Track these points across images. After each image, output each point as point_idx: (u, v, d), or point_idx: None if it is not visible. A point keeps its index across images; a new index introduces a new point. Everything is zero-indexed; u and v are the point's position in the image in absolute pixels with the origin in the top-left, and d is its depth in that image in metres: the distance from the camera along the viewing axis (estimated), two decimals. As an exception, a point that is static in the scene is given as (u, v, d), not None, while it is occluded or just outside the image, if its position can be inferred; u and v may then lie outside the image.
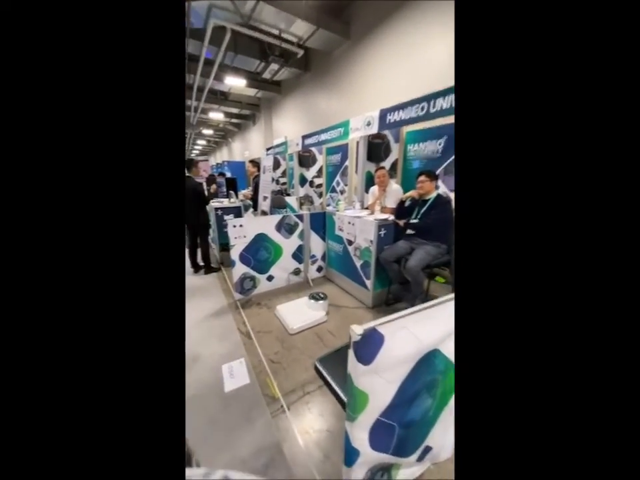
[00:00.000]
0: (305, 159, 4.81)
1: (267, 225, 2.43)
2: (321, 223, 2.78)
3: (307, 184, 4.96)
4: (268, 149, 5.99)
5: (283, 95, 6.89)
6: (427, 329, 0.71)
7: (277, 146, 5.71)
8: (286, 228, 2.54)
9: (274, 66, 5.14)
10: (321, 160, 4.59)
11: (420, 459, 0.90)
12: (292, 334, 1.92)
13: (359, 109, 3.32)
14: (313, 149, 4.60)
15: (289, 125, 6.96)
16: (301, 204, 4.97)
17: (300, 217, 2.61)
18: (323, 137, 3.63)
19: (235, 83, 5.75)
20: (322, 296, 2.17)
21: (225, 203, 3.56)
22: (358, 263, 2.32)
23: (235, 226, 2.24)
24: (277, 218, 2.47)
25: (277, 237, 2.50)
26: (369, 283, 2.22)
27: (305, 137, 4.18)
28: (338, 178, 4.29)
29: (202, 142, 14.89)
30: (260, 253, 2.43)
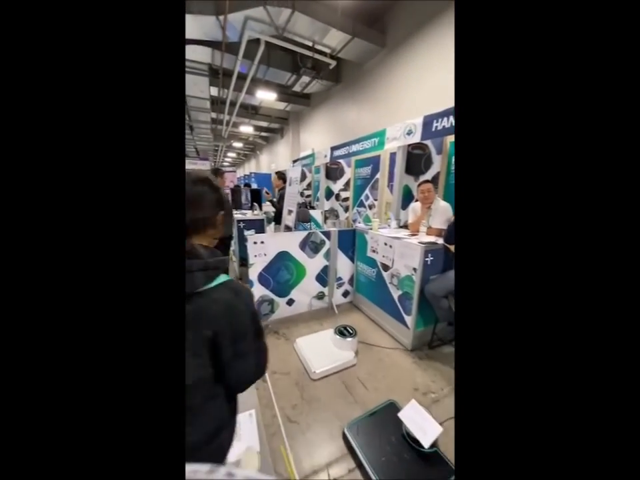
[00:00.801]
0: (333, 171, 4.59)
1: (290, 242, 2.16)
2: (350, 242, 2.47)
3: (333, 197, 4.71)
4: (294, 161, 5.90)
5: (311, 108, 6.87)
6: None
7: (304, 158, 5.59)
8: (311, 246, 2.25)
9: (305, 78, 5.10)
10: (349, 173, 4.34)
11: None
12: (314, 379, 1.57)
13: (392, 120, 3.04)
14: (342, 161, 4.38)
15: (316, 137, 6.88)
16: (326, 218, 4.72)
17: (327, 235, 2.31)
18: (355, 147, 3.38)
19: (266, 96, 5.83)
20: (350, 332, 1.82)
21: (249, 214, 3.39)
22: (395, 294, 1.94)
23: (255, 242, 1.99)
24: (301, 235, 2.20)
25: (300, 255, 2.22)
26: (409, 319, 1.83)
27: (333, 149, 3.97)
28: (367, 192, 3.99)
29: (232, 154, 15.58)
30: (281, 274, 2.15)
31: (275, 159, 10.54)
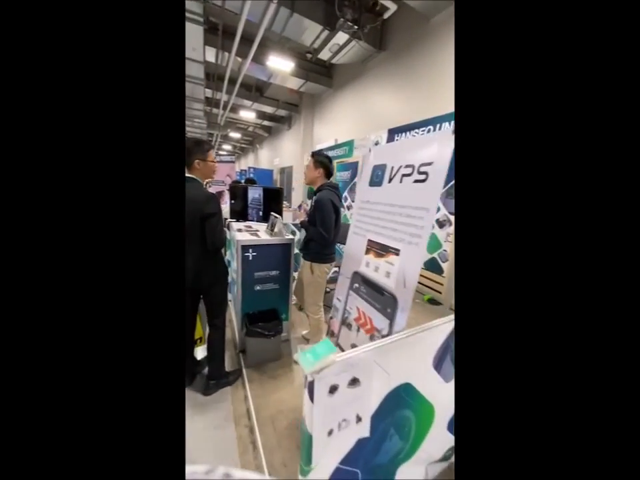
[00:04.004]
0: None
1: (421, 356, 0.74)
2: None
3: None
4: (314, 153, 4.49)
5: (334, 89, 5.48)
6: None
7: (330, 149, 4.17)
8: (453, 353, 0.85)
9: (338, 39, 3.71)
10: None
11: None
12: None
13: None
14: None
15: (337, 129, 5.48)
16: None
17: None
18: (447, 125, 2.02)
19: (279, 65, 4.39)
20: None
21: (262, 233, 1.95)
22: None
23: (333, 391, 0.56)
24: (447, 329, 0.79)
25: (430, 385, 0.81)
26: None
27: (393, 132, 2.59)
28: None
29: (227, 147, 13.96)
30: (385, 447, 0.74)
31: (278, 154, 9.07)
